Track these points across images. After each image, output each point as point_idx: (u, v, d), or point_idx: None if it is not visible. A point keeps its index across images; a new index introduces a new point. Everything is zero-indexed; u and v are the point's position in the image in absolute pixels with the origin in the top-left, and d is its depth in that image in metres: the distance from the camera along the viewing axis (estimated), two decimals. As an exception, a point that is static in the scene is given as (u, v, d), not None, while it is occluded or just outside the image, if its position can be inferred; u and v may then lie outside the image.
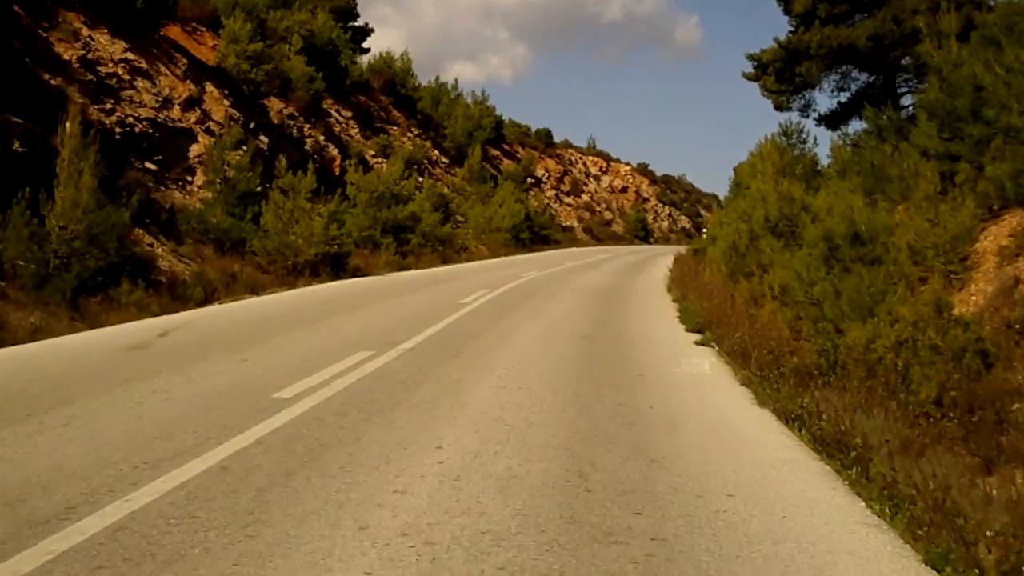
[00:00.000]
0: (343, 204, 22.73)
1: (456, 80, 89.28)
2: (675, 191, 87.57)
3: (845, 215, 10.61)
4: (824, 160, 23.31)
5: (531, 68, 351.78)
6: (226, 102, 24.14)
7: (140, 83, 21.17)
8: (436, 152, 45.52)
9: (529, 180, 56.07)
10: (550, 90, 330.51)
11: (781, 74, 24.84)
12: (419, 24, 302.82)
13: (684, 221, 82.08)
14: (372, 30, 44.39)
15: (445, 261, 28.26)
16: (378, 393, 6.98)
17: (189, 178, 21.23)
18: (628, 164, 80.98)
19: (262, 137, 25.39)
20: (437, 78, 51.76)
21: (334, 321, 11.78)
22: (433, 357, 8.85)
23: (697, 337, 11.26)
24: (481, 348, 9.68)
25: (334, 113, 35.94)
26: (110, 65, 20.47)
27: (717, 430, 6.17)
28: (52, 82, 17.44)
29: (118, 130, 19.75)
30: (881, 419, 6.48)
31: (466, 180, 43.21)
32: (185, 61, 23.84)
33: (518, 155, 58.42)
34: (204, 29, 27.79)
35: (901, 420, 6.64)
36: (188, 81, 22.97)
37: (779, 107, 26.13)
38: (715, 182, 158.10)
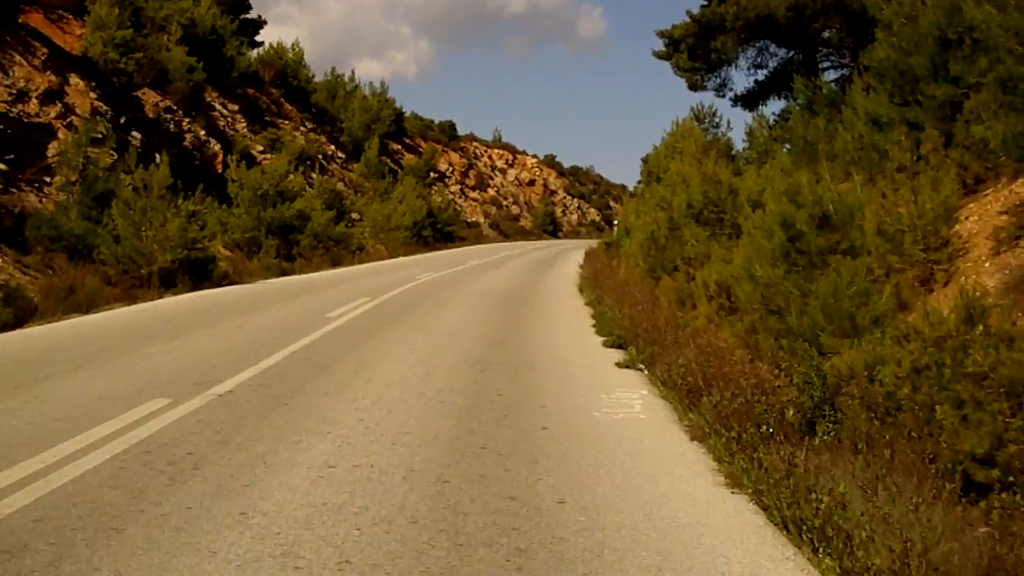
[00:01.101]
0: (207, 201, 19.65)
1: (353, 72, 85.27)
2: (584, 183, 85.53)
3: (792, 194, 8.28)
4: (739, 144, 21.73)
5: (436, 64, 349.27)
6: (93, 95, 21.62)
7: (-10, 75, 18.20)
8: (332, 147, 42.45)
9: (432, 175, 53.21)
10: (455, 85, 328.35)
11: (694, 51, 23.11)
12: (322, 21, 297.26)
13: (594, 214, 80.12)
14: (265, 22, 41.57)
15: (335, 263, 25.38)
16: (119, 491, 4.25)
17: (47, 179, 18.45)
18: (535, 156, 78.54)
19: (134, 133, 22.47)
20: (333, 70, 48.40)
21: (149, 350, 8.90)
22: (250, 408, 6.14)
23: (619, 356, 8.82)
24: (327, 388, 6.99)
25: (218, 106, 33.02)
26: (-47, 56, 17.51)
27: (674, 556, 3.57)
28: None
29: (-39, 127, 16.65)
30: (918, 502, 4.12)
31: (363, 175, 40.22)
32: (45, 51, 21.28)
33: (420, 149, 55.48)
34: (71, 17, 24.96)
35: (943, 496, 4.31)
36: (48, 72, 20.29)
37: (693, 86, 24.37)
38: (624, 173, 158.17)
